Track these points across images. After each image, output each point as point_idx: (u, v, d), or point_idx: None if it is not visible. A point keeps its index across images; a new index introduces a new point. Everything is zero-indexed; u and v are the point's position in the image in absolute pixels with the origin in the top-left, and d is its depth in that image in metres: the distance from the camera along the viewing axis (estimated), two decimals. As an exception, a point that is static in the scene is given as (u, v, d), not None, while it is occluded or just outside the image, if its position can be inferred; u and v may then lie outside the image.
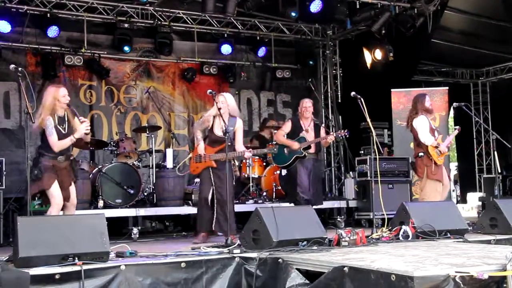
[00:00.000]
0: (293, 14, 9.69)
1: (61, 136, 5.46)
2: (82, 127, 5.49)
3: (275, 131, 9.52)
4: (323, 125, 8.37)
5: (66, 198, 5.56)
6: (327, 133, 7.90)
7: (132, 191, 7.73)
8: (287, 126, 7.59)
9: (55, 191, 5.44)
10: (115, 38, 9.53)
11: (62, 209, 5.56)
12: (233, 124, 6.31)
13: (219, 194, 6.24)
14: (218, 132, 6.37)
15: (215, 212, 6.23)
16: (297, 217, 5.35)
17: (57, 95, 5.47)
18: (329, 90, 11.03)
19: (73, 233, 4.39)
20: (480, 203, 10.85)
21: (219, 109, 6.11)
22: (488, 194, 10.75)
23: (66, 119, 5.55)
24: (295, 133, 7.47)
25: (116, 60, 9.84)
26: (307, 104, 7.54)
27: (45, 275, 4.05)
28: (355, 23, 10.03)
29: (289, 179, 7.69)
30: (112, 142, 8.28)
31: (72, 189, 5.64)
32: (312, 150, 7.48)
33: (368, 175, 8.66)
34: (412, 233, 5.62)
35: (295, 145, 7.36)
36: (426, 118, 6.93)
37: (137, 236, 7.09)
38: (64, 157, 5.54)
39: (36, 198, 6.04)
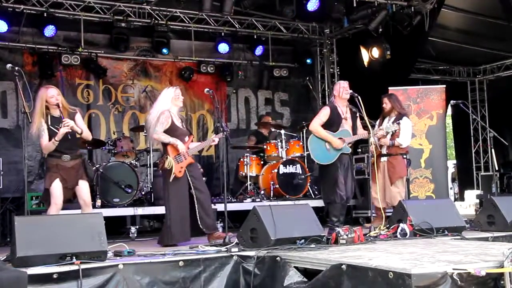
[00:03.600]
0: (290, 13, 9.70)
1: (55, 136, 5.39)
2: (62, 130, 5.36)
3: (274, 129, 9.56)
4: (358, 113, 7.00)
5: (71, 198, 5.60)
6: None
7: (129, 190, 7.73)
8: (325, 114, 6.50)
9: (54, 191, 5.40)
10: (112, 37, 9.52)
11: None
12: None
13: (198, 192, 5.85)
14: (179, 124, 5.96)
15: (196, 212, 5.83)
16: (295, 215, 5.35)
17: (45, 96, 5.44)
18: (326, 89, 11.03)
19: (70, 232, 4.39)
20: (477, 200, 10.85)
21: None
22: (486, 191, 10.75)
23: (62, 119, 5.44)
24: (334, 123, 6.56)
25: (113, 59, 9.84)
26: (345, 84, 6.59)
27: (43, 274, 4.05)
28: (352, 21, 10.04)
29: (328, 177, 6.69)
30: (109, 141, 8.29)
31: (83, 188, 5.58)
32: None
33: (366, 173, 8.66)
34: (410, 231, 5.63)
35: (338, 143, 6.48)
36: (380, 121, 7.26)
37: (135, 235, 7.08)
38: (70, 157, 5.50)
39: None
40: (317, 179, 8.36)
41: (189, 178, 5.85)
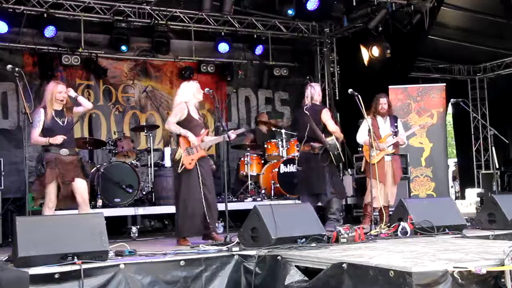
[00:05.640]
0: (290, 12, 9.72)
1: (58, 128, 5.57)
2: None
3: (274, 128, 9.59)
4: None
5: (68, 194, 5.59)
6: None
7: (130, 190, 7.74)
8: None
9: (51, 190, 5.49)
10: (112, 37, 9.53)
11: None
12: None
13: (207, 189, 5.85)
14: (196, 115, 5.98)
15: (204, 209, 5.84)
16: (295, 215, 5.36)
17: (55, 91, 5.66)
18: (326, 88, 11.02)
19: (72, 232, 4.40)
20: (478, 199, 10.86)
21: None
22: (486, 190, 10.75)
23: (65, 113, 5.69)
24: None
25: (114, 60, 9.85)
26: None
27: (44, 274, 4.06)
28: (352, 20, 10.04)
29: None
30: (110, 142, 8.30)
31: (81, 186, 5.64)
32: None
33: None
34: (411, 230, 5.63)
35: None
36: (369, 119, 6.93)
37: (136, 235, 7.10)
38: (69, 151, 5.60)
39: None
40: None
41: (199, 173, 5.85)
